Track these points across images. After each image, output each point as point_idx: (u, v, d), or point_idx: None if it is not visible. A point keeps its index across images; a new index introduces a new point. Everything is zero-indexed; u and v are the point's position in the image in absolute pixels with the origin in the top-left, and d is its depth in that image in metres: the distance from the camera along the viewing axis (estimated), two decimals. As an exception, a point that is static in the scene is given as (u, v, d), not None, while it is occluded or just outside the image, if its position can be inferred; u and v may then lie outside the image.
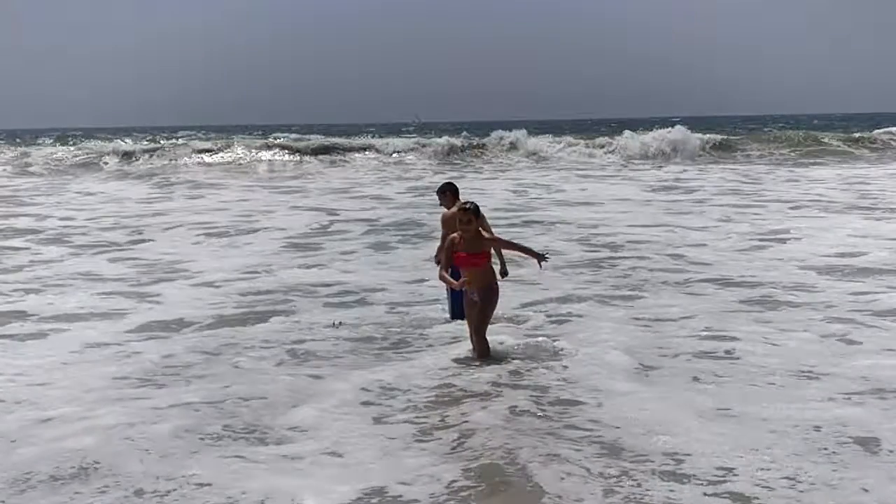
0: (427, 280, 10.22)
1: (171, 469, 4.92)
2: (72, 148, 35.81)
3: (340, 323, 8.41)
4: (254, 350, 7.52)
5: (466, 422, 5.65)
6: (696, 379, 6.55)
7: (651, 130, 37.23)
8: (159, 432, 5.49)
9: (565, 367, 6.92)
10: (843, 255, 11.92)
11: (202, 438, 5.41)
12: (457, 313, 8.25)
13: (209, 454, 5.15)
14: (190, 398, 6.17)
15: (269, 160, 33.40)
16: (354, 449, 5.23)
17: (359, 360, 7.24)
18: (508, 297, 9.21)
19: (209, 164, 32.79)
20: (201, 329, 8.30)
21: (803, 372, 6.63)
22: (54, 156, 33.91)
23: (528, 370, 6.85)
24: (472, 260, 7.11)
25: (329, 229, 15.94)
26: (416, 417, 5.81)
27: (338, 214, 18.28)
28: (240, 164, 32.80)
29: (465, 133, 41.70)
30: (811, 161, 33.73)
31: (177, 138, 41.61)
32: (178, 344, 7.72)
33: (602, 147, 36.35)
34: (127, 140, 38.51)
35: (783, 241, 13.45)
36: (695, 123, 49.10)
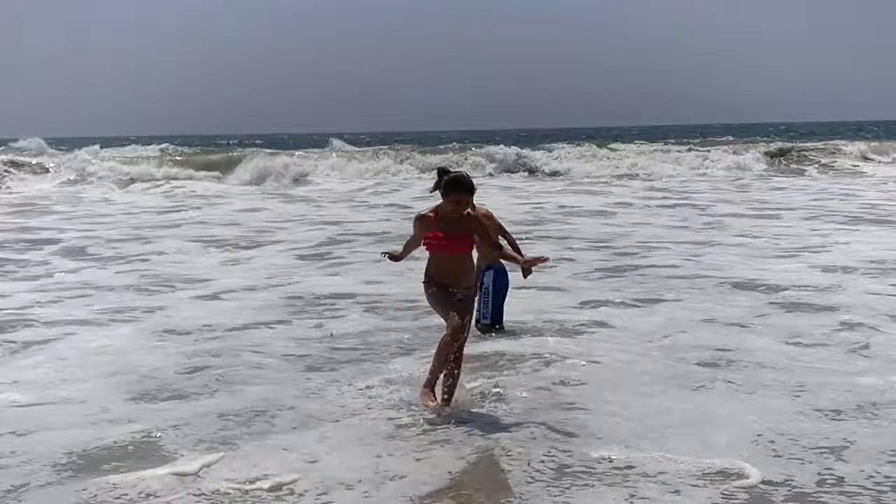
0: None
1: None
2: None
3: (332, 334, 8.36)
4: (250, 360, 7.50)
5: (459, 427, 5.64)
6: (696, 388, 6.51)
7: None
8: (120, 444, 5.49)
9: (574, 373, 6.93)
10: (868, 262, 11.93)
11: (143, 456, 5.33)
12: (496, 317, 8.12)
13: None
14: (165, 410, 6.18)
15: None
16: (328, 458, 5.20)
17: (358, 370, 7.17)
18: (528, 302, 9.25)
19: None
20: (201, 340, 8.27)
21: (807, 386, 6.54)
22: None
23: (537, 374, 6.86)
24: (455, 244, 5.73)
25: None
26: (402, 422, 5.78)
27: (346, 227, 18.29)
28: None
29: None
30: None
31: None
32: (173, 356, 7.68)
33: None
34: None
35: (810, 249, 13.40)
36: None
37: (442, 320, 6.03)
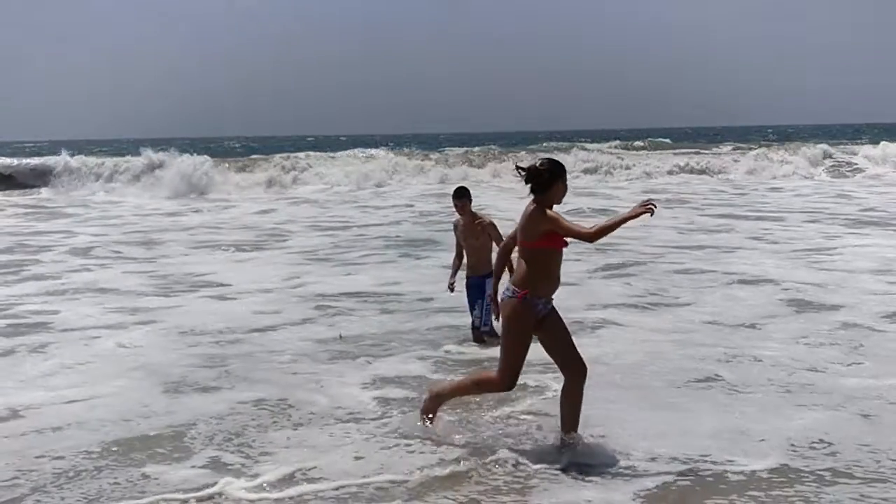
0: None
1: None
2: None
3: (341, 336, 8.56)
4: (263, 360, 7.73)
5: (462, 426, 5.80)
6: (697, 388, 6.71)
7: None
8: (149, 439, 5.78)
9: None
10: (875, 263, 12.13)
11: (170, 450, 5.56)
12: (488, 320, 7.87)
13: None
14: (185, 408, 6.43)
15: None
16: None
17: (366, 369, 7.37)
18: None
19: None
20: (215, 343, 8.45)
21: (805, 385, 6.73)
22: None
23: (538, 374, 6.92)
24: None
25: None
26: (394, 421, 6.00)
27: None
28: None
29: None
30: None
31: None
32: (189, 356, 7.90)
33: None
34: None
35: (821, 252, 13.53)
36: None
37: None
